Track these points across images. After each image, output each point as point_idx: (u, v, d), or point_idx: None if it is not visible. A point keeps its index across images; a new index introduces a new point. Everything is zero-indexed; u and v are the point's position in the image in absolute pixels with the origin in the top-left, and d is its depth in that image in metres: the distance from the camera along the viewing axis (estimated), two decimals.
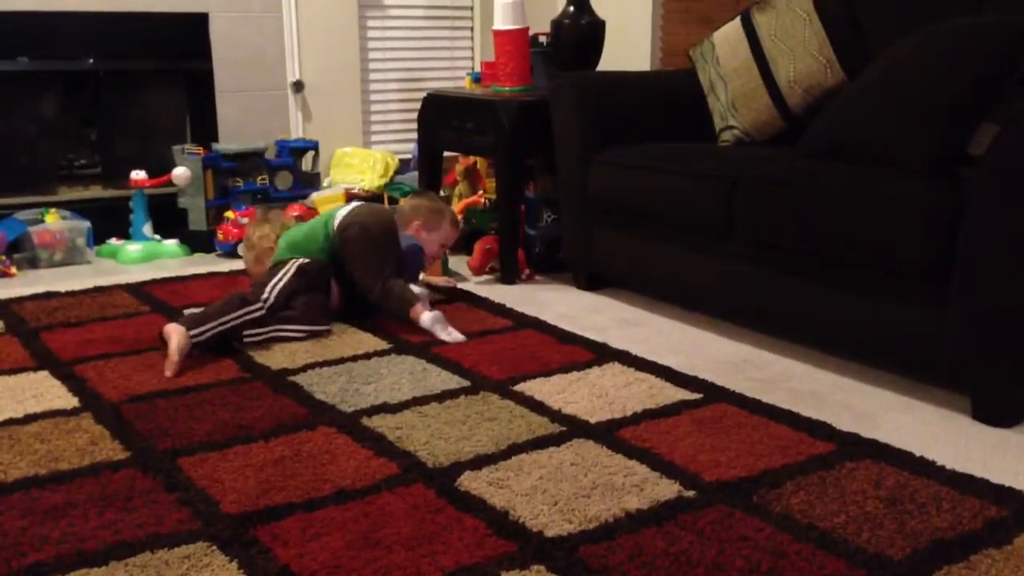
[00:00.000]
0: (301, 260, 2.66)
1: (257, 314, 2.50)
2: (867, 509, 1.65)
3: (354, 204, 2.84)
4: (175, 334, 2.33)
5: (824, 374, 2.37)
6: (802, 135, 2.71)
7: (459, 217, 3.20)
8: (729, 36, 3.01)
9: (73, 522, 1.59)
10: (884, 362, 2.39)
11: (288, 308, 2.58)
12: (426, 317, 2.59)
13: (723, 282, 2.61)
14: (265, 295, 2.55)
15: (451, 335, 2.56)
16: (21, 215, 3.47)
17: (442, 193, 3.82)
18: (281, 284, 2.59)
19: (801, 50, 2.83)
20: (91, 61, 3.69)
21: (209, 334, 2.40)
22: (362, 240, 2.68)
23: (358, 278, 2.67)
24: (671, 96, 3.16)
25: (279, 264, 2.69)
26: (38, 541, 1.53)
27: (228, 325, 2.44)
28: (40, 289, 3.05)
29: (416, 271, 2.89)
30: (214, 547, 1.51)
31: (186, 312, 2.65)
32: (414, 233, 2.89)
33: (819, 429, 1.99)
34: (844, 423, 2.03)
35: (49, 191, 3.77)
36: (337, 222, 2.72)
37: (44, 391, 2.19)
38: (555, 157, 3.12)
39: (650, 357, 2.44)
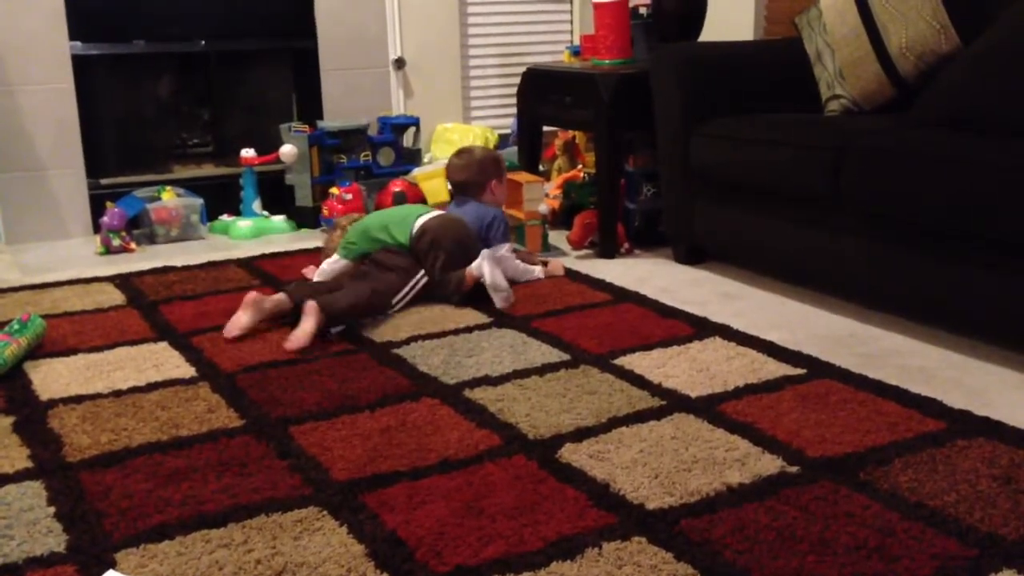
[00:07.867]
0: (425, 278, 2.67)
1: (379, 315, 2.56)
2: (980, 488, 1.61)
3: (432, 214, 2.79)
4: (313, 317, 2.36)
5: (934, 350, 2.30)
6: (914, 104, 2.62)
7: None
8: (837, 2, 2.91)
9: (193, 486, 1.67)
10: (998, 338, 2.30)
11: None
12: (479, 269, 2.64)
13: (829, 255, 2.55)
14: (395, 302, 2.60)
15: (499, 292, 2.63)
16: (139, 193, 3.62)
17: (541, 168, 3.83)
18: (411, 296, 2.64)
19: (914, 15, 2.73)
20: (203, 43, 3.81)
21: (342, 327, 2.46)
22: (432, 249, 2.67)
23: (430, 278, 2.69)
24: (775, 66, 3.09)
25: (376, 253, 2.72)
26: (161, 503, 1.61)
27: (355, 319, 2.50)
28: (158, 264, 3.19)
29: (503, 238, 2.89)
30: (325, 512, 1.57)
31: (314, 282, 2.71)
32: (492, 196, 2.97)
33: (929, 406, 1.94)
34: (955, 400, 1.98)
35: (165, 169, 3.93)
36: (415, 226, 2.70)
37: (164, 361, 2.29)
38: (655, 130, 3.09)
39: (752, 331, 2.42)
